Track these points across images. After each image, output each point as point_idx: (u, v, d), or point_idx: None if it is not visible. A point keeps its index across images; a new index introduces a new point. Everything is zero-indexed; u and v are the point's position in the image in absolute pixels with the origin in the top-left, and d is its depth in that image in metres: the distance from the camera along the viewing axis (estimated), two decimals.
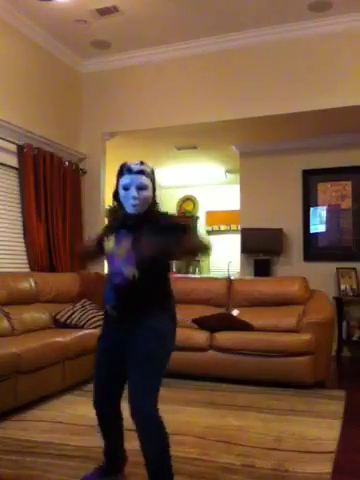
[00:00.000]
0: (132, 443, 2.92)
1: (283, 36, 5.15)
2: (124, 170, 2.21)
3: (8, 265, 4.89)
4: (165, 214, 2.30)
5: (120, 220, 2.28)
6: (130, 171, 2.19)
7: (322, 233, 6.33)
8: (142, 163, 2.24)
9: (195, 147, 6.90)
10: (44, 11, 4.87)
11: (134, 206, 2.18)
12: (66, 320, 4.71)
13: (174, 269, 9.17)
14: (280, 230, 6.32)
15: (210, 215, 9.61)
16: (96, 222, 5.97)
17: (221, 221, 9.39)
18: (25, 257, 5.08)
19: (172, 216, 2.57)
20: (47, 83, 5.53)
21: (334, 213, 6.29)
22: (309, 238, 6.37)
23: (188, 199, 9.89)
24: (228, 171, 8.34)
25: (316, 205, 6.37)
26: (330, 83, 4.99)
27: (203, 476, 2.48)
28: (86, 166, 5.98)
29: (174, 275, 7.80)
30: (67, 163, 5.66)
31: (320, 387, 4.18)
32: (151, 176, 2.24)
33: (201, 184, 9.30)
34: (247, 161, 6.77)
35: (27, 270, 5.04)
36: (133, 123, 5.85)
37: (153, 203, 2.26)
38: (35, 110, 5.33)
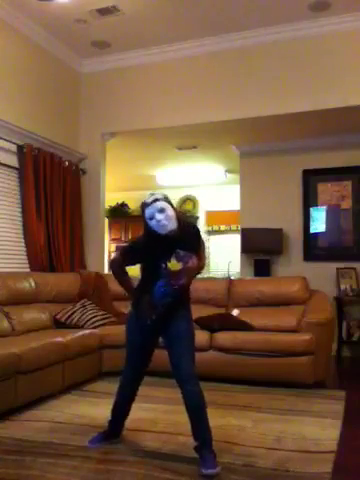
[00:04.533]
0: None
1: (283, 36, 5.15)
2: (143, 207, 2.60)
3: (8, 265, 4.89)
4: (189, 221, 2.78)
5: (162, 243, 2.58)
6: (147, 205, 2.57)
7: (322, 233, 6.32)
8: (152, 194, 2.62)
9: (195, 147, 6.89)
10: (44, 11, 4.87)
11: (163, 226, 2.54)
12: (66, 320, 4.71)
13: None
14: (280, 230, 6.31)
15: (210, 215, 9.61)
16: (96, 222, 5.97)
17: (221, 221, 9.39)
18: (25, 257, 5.08)
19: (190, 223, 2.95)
20: (47, 83, 5.53)
21: (334, 213, 6.28)
22: (309, 238, 6.36)
23: (188, 199, 9.89)
24: (228, 171, 8.34)
25: (316, 205, 6.37)
26: (330, 83, 4.99)
27: None
28: (86, 166, 5.98)
29: None
30: (67, 163, 5.66)
31: (320, 387, 4.18)
32: (165, 199, 2.60)
33: (201, 184, 9.30)
34: (247, 161, 6.77)
35: (27, 270, 5.05)
36: (133, 123, 5.85)
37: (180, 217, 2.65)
38: (35, 110, 5.33)
